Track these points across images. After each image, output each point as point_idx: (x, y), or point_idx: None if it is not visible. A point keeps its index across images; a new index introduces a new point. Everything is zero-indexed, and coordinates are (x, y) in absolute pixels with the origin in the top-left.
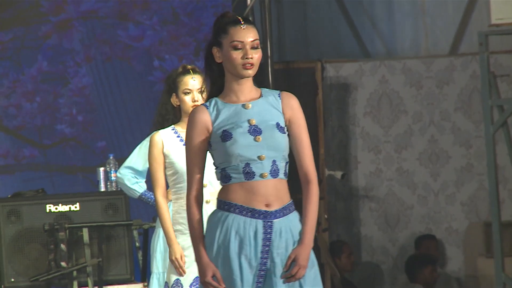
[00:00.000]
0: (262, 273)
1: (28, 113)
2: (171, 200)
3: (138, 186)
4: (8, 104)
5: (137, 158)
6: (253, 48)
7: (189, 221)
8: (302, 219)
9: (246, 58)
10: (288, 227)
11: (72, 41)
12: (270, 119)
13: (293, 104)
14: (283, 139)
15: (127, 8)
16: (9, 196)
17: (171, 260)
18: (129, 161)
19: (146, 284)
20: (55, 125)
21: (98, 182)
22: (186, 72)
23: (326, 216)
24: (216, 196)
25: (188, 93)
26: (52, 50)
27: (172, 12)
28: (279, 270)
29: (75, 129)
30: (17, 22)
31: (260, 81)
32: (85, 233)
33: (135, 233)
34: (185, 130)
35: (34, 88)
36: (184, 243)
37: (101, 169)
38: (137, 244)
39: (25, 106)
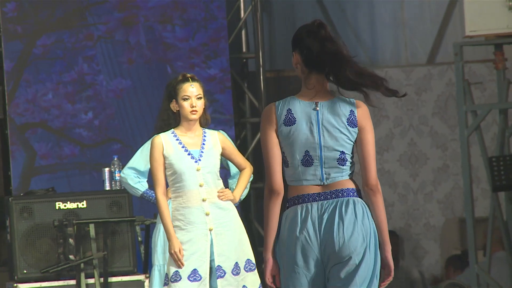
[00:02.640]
0: None
1: (70, 113)
2: (170, 198)
3: (140, 185)
4: (50, 105)
5: (140, 159)
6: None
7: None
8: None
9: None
10: None
11: (114, 44)
12: None
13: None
14: None
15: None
16: (21, 194)
17: (170, 254)
18: (132, 162)
19: (147, 275)
20: (95, 125)
21: (103, 182)
22: (185, 80)
23: None
24: (213, 197)
25: (187, 99)
26: (94, 53)
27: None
28: None
29: (114, 130)
30: (61, 25)
31: (253, 88)
32: (92, 228)
33: (137, 228)
34: (184, 134)
35: (75, 89)
36: (182, 238)
37: (106, 169)
38: (139, 238)
39: (67, 107)
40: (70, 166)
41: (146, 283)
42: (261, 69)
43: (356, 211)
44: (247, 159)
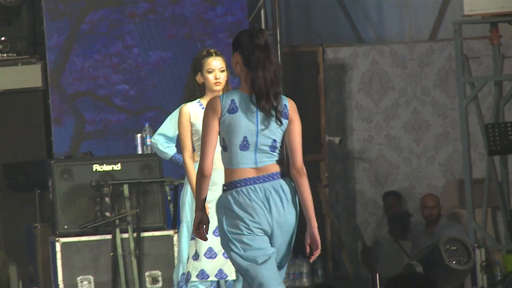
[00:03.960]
0: None
1: (114, 83)
2: (196, 161)
3: (169, 150)
4: (97, 75)
5: (169, 126)
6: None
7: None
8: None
9: None
10: None
11: (156, 19)
12: None
13: None
14: None
15: None
16: (62, 157)
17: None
18: (162, 129)
19: (176, 231)
20: (137, 94)
21: (136, 146)
22: (209, 54)
23: (326, 174)
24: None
25: (211, 72)
26: (137, 28)
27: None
28: None
29: (155, 98)
30: (107, 3)
31: None
32: (126, 188)
33: (167, 188)
34: None
35: (119, 61)
36: (208, 197)
37: (138, 135)
38: (168, 197)
39: (111, 77)
40: (110, 132)
41: (175, 238)
42: (278, 44)
43: (290, 190)
44: None
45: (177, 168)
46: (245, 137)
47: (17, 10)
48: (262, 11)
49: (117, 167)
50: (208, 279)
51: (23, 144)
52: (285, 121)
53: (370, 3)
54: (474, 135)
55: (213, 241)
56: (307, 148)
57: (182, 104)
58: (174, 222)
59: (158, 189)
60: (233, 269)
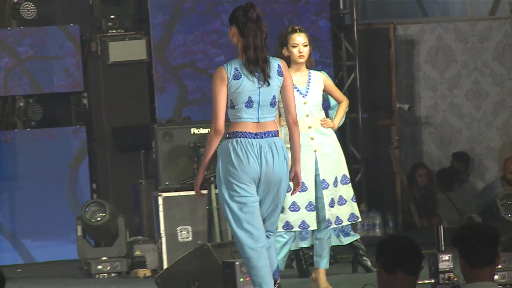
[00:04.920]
0: None
1: (212, 56)
2: (282, 125)
3: None
4: (197, 50)
5: None
6: None
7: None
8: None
9: None
10: None
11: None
12: None
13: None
14: None
15: None
16: (164, 122)
17: None
18: None
19: None
20: None
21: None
22: (294, 31)
23: (397, 137)
24: (317, 124)
25: (295, 46)
26: (232, 6)
27: None
28: None
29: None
30: None
31: (348, 38)
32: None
33: None
34: (293, 74)
35: (217, 37)
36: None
37: None
38: None
39: (210, 51)
40: (207, 99)
41: None
42: (354, 22)
43: (283, 148)
44: (344, 94)
45: None
46: (250, 97)
47: None
48: None
49: None
50: (292, 230)
51: (130, 110)
52: (280, 78)
53: None
54: None
55: (297, 196)
56: (380, 114)
57: None
58: None
59: None
60: (314, 220)
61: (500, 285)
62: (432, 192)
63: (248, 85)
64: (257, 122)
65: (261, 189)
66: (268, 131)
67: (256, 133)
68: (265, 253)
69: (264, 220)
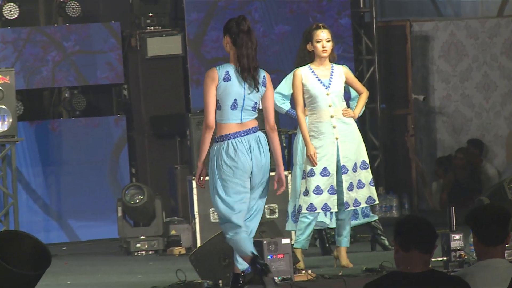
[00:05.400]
0: None
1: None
2: (307, 115)
3: (285, 105)
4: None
5: (284, 86)
6: None
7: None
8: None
9: None
10: None
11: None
12: None
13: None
14: None
15: None
16: (198, 111)
17: (307, 156)
18: (279, 88)
19: (290, 171)
20: (261, 59)
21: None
22: (318, 27)
23: (412, 126)
24: (339, 114)
25: (319, 42)
26: (262, 5)
27: None
28: None
29: (275, 63)
30: None
31: (368, 34)
32: None
33: (282, 137)
34: (317, 68)
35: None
36: (316, 144)
37: None
38: (284, 144)
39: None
40: None
41: (289, 177)
42: (374, 20)
43: (265, 142)
44: (363, 86)
45: (290, 120)
46: (235, 99)
47: None
48: None
49: None
50: (316, 211)
51: (166, 100)
52: (263, 88)
53: None
54: None
55: (320, 180)
56: (397, 105)
57: (296, 68)
58: (288, 164)
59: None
60: (335, 203)
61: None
62: (471, 174)
63: (235, 88)
64: (240, 123)
65: (254, 180)
66: (251, 128)
67: (242, 131)
68: (245, 234)
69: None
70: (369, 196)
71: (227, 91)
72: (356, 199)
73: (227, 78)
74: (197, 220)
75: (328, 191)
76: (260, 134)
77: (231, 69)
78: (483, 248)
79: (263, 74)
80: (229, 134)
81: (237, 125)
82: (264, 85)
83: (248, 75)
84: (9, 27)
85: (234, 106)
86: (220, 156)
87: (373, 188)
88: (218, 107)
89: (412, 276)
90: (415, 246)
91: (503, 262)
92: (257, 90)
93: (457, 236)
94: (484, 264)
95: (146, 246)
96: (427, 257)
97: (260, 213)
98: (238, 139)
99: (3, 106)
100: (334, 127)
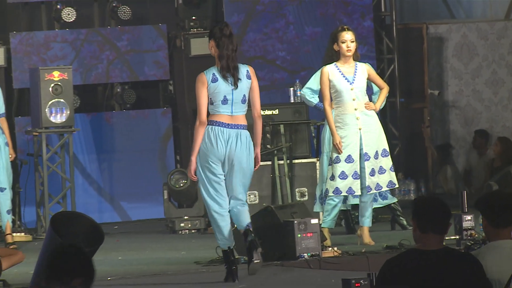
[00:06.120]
0: None
1: (290, 51)
2: (333, 108)
3: (314, 99)
4: (266, 44)
5: (313, 82)
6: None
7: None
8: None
9: None
10: None
11: (311, 1)
12: None
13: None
14: None
15: None
16: None
17: (333, 144)
18: (308, 84)
19: (318, 158)
20: (294, 58)
21: (289, 97)
22: (343, 29)
23: (428, 118)
24: (362, 107)
25: (344, 42)
26: (295, 8)
27: None
28: None
29: (306, 61)
30: None
31: (388, 35)
32: (282, 127)
33: (311, 128)
34: (342, 65)
35: (282, 34)
36: (341, 134)
37: (291, 88)
38: (313, 134)
39: (276, 46)
40: (272, 86)
41: (317, 164)
42: (393, 22)
43: (247, 138)
44: (384, 82)
45: (319, 113)
46: (225, 95)
47: None
48: None
49: (276, 112)
50: (341, 194)
51: None
52: (249, 81)
53: None
54: None
55: (345, 166)
56: (414, 99)
57: (323, 66)
58: (317, 152)
59: (305, 128)
60: (359, 186)
61: None
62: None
63: (223, 86)
64: (230, 115)
65: (226, 167)
66: (238, 124)
67: (228, 124)
68: (228, 216)
69: (235, 191)
70: (390, 181)
71: (216, 90)
72: (378, 183)
73: (214, 80)
74: None
75: (352, 176)
76: (243, 132)
77: (215, 70)
78: (493, 230)
79: (246, 69)
80: (218, 121)
81: (228, 117)
82: (249, 78)
83: (228, 73)
84: (67, 29)
85: (224, 101)
86: (204, 138)
87: (394, 174)
88: (211, 102)
89: (429, 253)
90: (431, 229)
91: (511, 243)
92: (236, 86)
93: (469, 217)
94: (494, 245)
95: (189, 225)
96: (441, 237)
97: (245, 207)
98: (221, 128)
99: (62, 100)
100: (357, 118)
